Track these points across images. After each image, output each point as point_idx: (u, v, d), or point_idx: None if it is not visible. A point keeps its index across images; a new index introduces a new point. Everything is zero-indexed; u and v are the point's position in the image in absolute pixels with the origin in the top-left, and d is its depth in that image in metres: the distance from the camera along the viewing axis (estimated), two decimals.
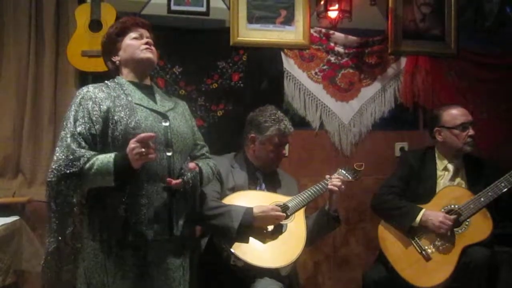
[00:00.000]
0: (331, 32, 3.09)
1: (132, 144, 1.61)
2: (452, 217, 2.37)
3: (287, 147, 2.42)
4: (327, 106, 3.09)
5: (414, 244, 2.44)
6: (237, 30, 2.95)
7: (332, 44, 3.10)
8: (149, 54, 1.86)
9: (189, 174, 1.80)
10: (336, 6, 2.91)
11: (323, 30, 3.09)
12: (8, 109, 2.69)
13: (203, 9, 2.92)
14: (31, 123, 2.69)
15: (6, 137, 2.68)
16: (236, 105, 2.93)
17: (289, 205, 2.22)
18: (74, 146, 1.66)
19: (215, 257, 2.09)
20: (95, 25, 2.63)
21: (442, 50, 3.24)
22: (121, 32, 1.88)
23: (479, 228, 2.36)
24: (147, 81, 1.93)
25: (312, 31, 3.06)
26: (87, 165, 1.64)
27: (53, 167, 1.66)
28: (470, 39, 3.31)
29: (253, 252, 2.05)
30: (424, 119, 3.22)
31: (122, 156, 1.64)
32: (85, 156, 1.65)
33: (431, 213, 2.41)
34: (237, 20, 2.95)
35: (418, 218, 2.41)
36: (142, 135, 1.61)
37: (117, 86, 1.82)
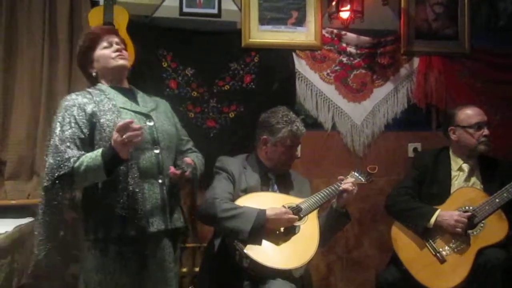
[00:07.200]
0: (343, 32, 3.08)
1: (114, 135, 1.66)
2: (467, 214, 2.35)
3: (299, 148, 2.41)
4: (339, 107, 3.08)
5: (428, 246, 2.41)
6: (248, 31, 2.95)
7: (344, 45, 3.09)
8: (122, 61, 1.93)
9: (189, 168, 1.89)
10: (348, 7, 2.89)
11: (335, 31, 3.08)
12: (22, 111, 2.71)
13: (215, 11, 2.93)
14: (46, 125, 2.70)
15: (21, 139, 2.70)
16: (248, 107, 2.93)
17: (302, 206, 2.22)
18: (62, 148, 1.72)
19: (228, 258, 2.09)
20: None
21: (455, 50, 3.21)
22: (92, 44, 1.95)
23: (494, 230, 2.34)
24: (126, 84, 2.00)
25: (323, 32, 3.06)
26: (77, 164, 1.69)
27: (46, 172, 1.73)
28: (484, 39, 3.27)
29: (266, 253, 2.05)
30: (437, 120, 3.19)
31: (109, 148, 1.69)
32: (74, 156, 1.71)
33: (446, 213, 2.39)
34: (249, 22, 2.95)
35: (433, 219, 2.39)
36: (120, 123, 1.64)
37: (99, 92, 1.89)
